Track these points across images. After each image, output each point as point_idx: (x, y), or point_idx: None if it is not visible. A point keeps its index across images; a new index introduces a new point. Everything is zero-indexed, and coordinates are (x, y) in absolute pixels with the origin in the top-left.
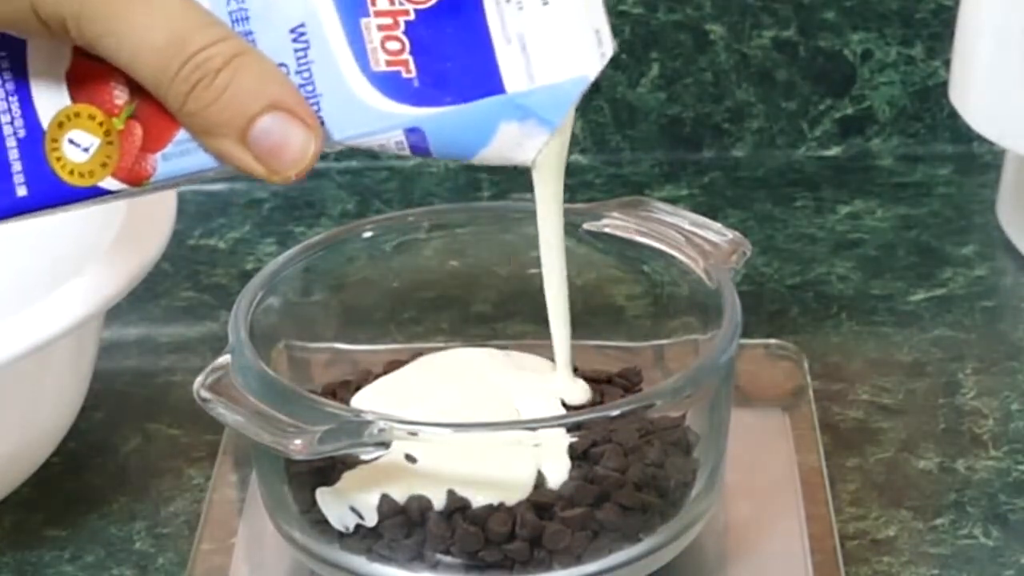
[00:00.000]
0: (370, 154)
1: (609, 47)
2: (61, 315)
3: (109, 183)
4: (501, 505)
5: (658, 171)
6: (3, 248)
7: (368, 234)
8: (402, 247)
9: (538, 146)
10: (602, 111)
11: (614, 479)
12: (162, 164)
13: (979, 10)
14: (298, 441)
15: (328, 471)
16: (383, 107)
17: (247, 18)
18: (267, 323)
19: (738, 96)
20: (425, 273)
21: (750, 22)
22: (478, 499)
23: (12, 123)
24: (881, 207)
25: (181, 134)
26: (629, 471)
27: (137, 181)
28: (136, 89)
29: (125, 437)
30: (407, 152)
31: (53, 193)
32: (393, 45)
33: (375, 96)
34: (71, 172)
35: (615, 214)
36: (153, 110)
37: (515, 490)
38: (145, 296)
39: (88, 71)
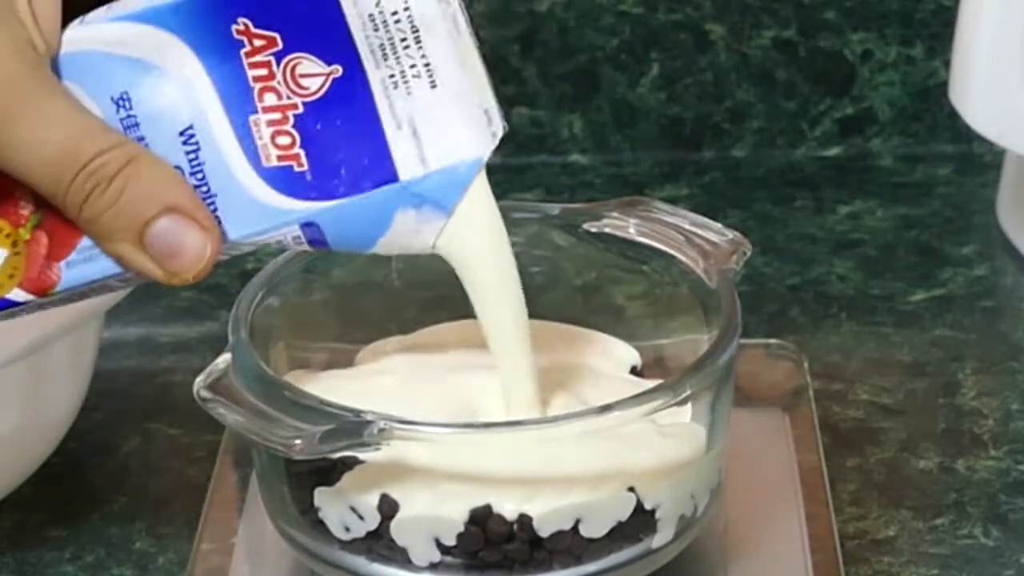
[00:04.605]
0: None
1: (499, 126)
2: (61, 315)
3: (16, 294)
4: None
5: (658, 171)
6: None
7: None
8: None
9: (436, 231)
10: (602, 111)
11: None
12: (67, 272)
13: (979, 10)
14: (298, 441)
15: (328, 471)
16: (277, 203)
17: (137, 124)
18: (267, 323)
19: (738, 96)
20: (425, 273)
21: (750, 22)
22: (478, 500)
23: None
24: (881, 207)
25: (84, 241)
26: None
27: (43, 291)
28: (41, 198)
29: (125, 437)
30: (305, 247)
31: None
32: (283, 140)
33: (268, 193)
34: None
35: (615, 214)
36: (58, 218)
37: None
38: (145, 296)
39: None
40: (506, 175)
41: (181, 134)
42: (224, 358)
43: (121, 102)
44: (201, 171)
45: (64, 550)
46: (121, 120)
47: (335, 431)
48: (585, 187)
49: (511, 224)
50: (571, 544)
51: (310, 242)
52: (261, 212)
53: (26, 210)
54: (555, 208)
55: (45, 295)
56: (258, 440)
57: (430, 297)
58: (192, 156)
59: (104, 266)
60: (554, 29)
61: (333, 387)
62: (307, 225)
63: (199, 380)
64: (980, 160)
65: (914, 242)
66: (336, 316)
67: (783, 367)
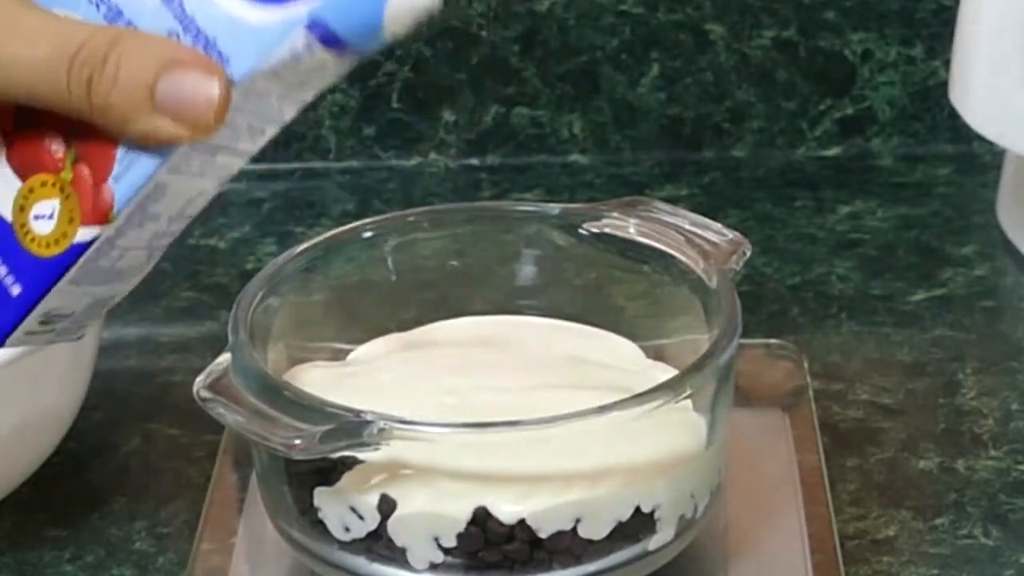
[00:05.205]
0: (369, 155)
1: None
2: None
3: (83, 234)
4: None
5: (658, 171)
6: None
7: (368, 234)
8: (402, 247)
9: None
10: (602, 111)
11: None
12: (117, 187)
13: (979, 10)
14: (298, 441)
15: (328, 471)
16: (275, 17)
17: (120, 12)
18: (267, 323)
19: (738, 96)
20: (425, 273)
21: (750, 22)
22: (478, 499)
23: None
24: (881, 207)
25: (120, 151)
26: None
27: (103, 216)
28: (68, 134)
29: (125, 437)
30: (320, 50)
31: (42, 275)
32: None
33: (262, 12)
34: (47, 245)
35: (615, 214)
36: (89, 143)
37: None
38: (145, 296)
39: (23, 144)
40: (506, 175)
41: None
42: (224, 358)
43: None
44: (193, 24)
45: (64, 550)
46: (104, 16)
47: (335, 431)
48: (585, 187)
49: (511, 224)
50: (571, 544)
51: (322, 41)
52: (264, 34)
53: (59, 152)
54: (555, 208)
55: (107, 220)
56: (258, 440)
57: (429, 296)
58: (179, 13)
59: (145, 163)
60: (554, 29)
61: (331, 385)
62: (312, 26)
63: (199, 380)
64: (980, 160)
65: (914, 242)
66: (336, 316)
67: (783, 367)
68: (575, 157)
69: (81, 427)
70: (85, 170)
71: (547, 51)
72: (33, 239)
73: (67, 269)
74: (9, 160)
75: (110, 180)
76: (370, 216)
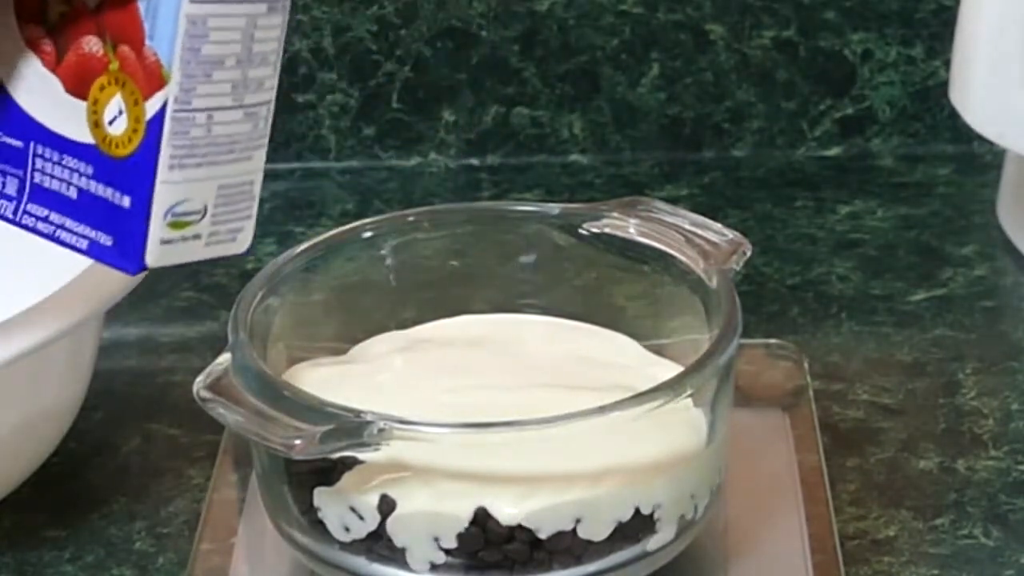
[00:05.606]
0: (369, 155)
1: None
2: (60, 315)
3: (151, 106)
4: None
5: (658, 171)
6: (3, 248)
7: (368, 234)
8: (402, 247)
9: None
10: (602, 111)
11: None
12: (155, 44)
13: (979, 10)
14: (298, 441)
15: (328, 471)
16: None
17: None
18: (267, 323)
19: (738, 96)
20: (425, 273)
21: (750, 22)
22: (478, 500)
23: (79, 172)
24: (881, 207)
25: (141, 8)
26: None
27: (158, 78)
28: (99, 28)
29: (125, 437)
30: None
31: (138, 169)
32: None
33: None
34: (129, 140)
35: (615, 214)
36: (116, 23)
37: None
38: (145, 296)
39: (73, 66)
40: (506, 175)
41: None
42: (224, 358)
43: None
44: None
45: (64, 550)
46: None
47: (335, 431)
48: (585, 187)
49: (511, 224)
50: (571, 545)
51: None
52: None
53: (100, 49)
54: (555, 208)
55: (163, 79)
56: (258, 440)
57: (429, 296)
58: None
59: (164, 7)
60: (554, 29)
61: (331, 385)
62: None
63: (199, 380)
64: (980, 160)
65: (914, 242)
66: (336, 316)
67: (783, 367)
68: (575, 157)
69: (81, 427)
70: (125, 49)
71: (547, 51)
72: (117, 144)
73: (157, 151)
74: (70, 90)
75: (147, 42)
76: (370, 216)
